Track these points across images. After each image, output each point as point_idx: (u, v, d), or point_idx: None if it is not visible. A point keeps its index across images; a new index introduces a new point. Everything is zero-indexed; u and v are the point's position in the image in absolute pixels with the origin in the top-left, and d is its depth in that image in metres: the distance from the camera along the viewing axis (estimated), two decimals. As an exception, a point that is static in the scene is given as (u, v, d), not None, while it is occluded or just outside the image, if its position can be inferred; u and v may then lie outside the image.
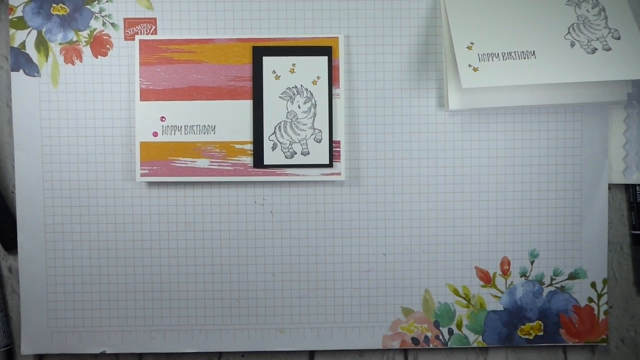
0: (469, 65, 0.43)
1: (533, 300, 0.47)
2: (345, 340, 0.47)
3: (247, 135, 0.45)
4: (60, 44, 0.46)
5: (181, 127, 0.45)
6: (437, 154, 0.47)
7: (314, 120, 0.45)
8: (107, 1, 0.46)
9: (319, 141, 0.45)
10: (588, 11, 0.44)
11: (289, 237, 0.47)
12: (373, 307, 0.47)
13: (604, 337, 0.48)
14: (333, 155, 0.46)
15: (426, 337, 0.47)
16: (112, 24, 0.46)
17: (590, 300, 0.48)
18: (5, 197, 0.47)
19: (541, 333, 0.47)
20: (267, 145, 0.45)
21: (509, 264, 0.47)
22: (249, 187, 0.46)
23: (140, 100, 0.45)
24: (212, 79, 0.46)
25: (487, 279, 0.47)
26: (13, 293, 0.47)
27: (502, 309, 0.47)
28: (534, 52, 0.43)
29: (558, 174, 0.47)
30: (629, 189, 0.48)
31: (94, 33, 0.46)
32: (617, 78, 0.43)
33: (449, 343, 0.47)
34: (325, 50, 0.46)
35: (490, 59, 0.43)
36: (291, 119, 0.45)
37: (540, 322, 0.47)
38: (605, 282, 0.48)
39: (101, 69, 0.46)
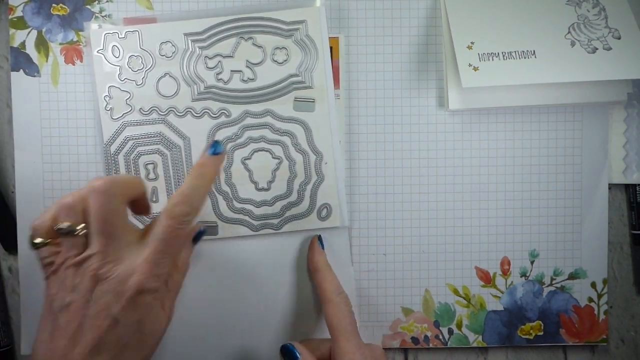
0: (469, 65, 0.43)
1: (533, 300, 0.47)
2: (345, 340, 0.47)
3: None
4: (60, 44, 0.46)
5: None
6: (437, 154, 0.47)
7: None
8: (107, 1, 0.46)
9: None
10: (588, 11, 0.44)
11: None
12: (373, 307, 0.47)
13: (604, 337, 0.48)
14: (333, 155, 0.46)
15: (426, 336, 0.47)
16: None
17: (590, 300, 0.48)
18: (5, 197, 0.47)
19: (541, 333, 0.47)
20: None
21: (509, 264, 0.47)
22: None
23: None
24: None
25: (487, 279, 0.47)
26: (13, 293, 0.47)
27: (502, 309, 0.47)
28: (534, 51, 0.43)
29: (558, 174, 0.47)
30: (629, 189, 0.48)
31: (94, 33, 0.46)
32: (617, 77, 0.43)
33: (449, 343, 0.47)
34: (325, 50, 0.46)
35: (490, 58, 0.43)
36: None
37: (540, 322, 0.47)
38: (605, 282, 0.48)
39: (101, 69, 0.46)
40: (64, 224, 0.35)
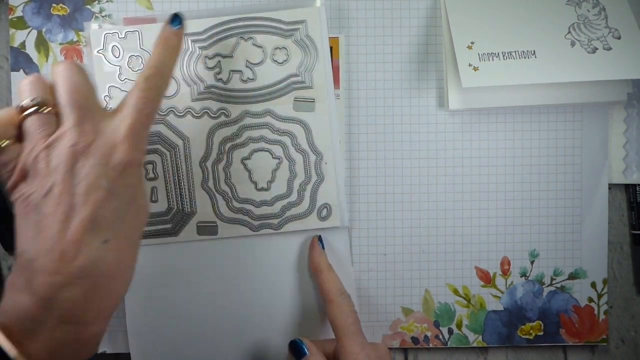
0: (469, 65, 0.43)
1: (533, 300, 0.47)
2: (345, 340, 0.47)
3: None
4: (60, 44, 0.46)
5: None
6: (437, 154, 0.47)
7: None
8: (107, 1, 0.46)
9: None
10: (588, 11, 0.44)
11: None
12: (373, 307, 0.47)
13: (604, 337, 0.48)
14: (333, 155, 0.46)
15: (426, 336, 0.47)
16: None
17: (590, 300, 0.48)
18: (5, 197, 0.47)
19: (541, 333, 0.47)
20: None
21: (509, 264, 0.47)
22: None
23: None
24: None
25: (487, 279, 0.47)
26: (13, 293, 0.47)
27: (502, 308, 0.47)
28: (534, 51, 0.43)
29: (558, 174, 0.47)
30: (629, 189, 0.48)
31: (94, 33, 0.46)
32: (617, 77, 0.43)
33: (449, 343, 0.47)
34: (325, 50, 0.46)
35: (490, 58, 0.43)
36: None
37: (540, 322, 0.47)
38: (605, 282, 0.48)
39: (101, 69, 0.46)
40: (30, 98, 0.33)
